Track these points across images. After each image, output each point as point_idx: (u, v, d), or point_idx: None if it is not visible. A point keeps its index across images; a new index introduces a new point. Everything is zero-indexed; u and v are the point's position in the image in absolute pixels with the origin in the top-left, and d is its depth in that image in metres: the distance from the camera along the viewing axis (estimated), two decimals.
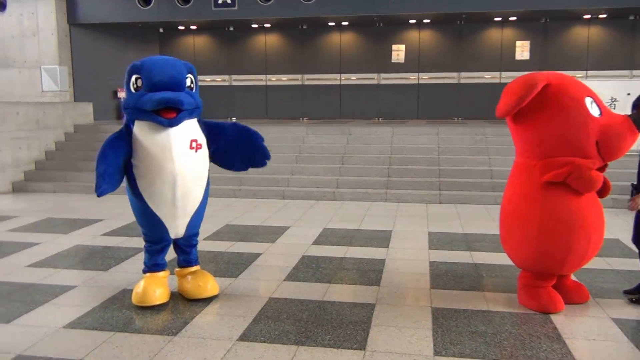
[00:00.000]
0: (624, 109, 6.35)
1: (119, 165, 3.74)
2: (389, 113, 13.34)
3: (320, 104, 13.74)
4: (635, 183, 3.99)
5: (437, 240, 5.92)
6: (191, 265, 4.24)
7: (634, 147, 4.02)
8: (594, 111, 3.71)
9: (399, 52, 13.29)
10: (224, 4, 11.50)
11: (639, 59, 12.40)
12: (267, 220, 6.97)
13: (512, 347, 3.34)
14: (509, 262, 5.04)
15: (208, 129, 4.06)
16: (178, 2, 11.59)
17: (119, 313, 3.87)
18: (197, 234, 4.28)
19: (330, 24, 13.29)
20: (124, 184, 3.95)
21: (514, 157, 9.08)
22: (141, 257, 5.24)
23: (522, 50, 12.87)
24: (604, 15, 12.12)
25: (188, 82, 3.80)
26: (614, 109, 8.37)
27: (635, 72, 12.41)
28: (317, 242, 5.87)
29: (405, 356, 3.22)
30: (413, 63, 13.30)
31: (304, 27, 13.59)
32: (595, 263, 4.59)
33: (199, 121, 3.99)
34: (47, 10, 11.78)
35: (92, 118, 11.93)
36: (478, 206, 7.91)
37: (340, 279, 4.64)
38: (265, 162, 4.23)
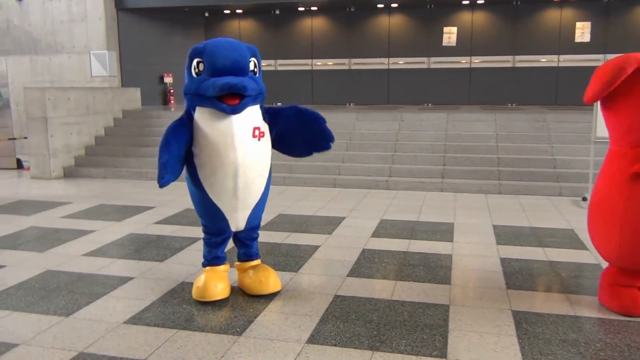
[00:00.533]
0: None
1: (181, 154, 3.54)
2: (438, 98, 12.90)
3: (367, 89, 13.39)
4: None
5: (504, 235, 5.57)
6: (252, 259, 4.04)
7: None
8: None
9: (450, 35, 12.79)
10: None
11: None
12: (321, 210, 6.74)
13: None
14: (588, 260, 4.71)
15: (269, 115, 3.83)
16: None
17: (179, 308, 3.71)
18: (258, 227, 4.07)
19: (379, 5, 12.88)
20: (184, 173, 3.76)
21: (578, 145, 8.60)
22: (196, 247, 5.14)
23: (583, 31, 12.18)
24: None
25: (251, 66, 3.56)
26: None
27: None
28: (376, 234, 5.61)
29: None
30: (465, 46, 12.78)
31: (352, 9, 13.22)
32: None
33: (260, 107, 3.76)
34: None
35: (140, 103, 11.91)
36: (541, 197, 7.48)
37: (407, 275, 4.37)
38: (330, 145, 3.94)
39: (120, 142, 10.34)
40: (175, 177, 3.56)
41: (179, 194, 7.60)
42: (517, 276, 4.35)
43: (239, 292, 4.00)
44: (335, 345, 3.18)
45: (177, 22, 13.60)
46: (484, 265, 4.61)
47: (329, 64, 13.59)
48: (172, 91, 13.49)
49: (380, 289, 4.07)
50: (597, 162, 7.11)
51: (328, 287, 4.09)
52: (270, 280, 3.92)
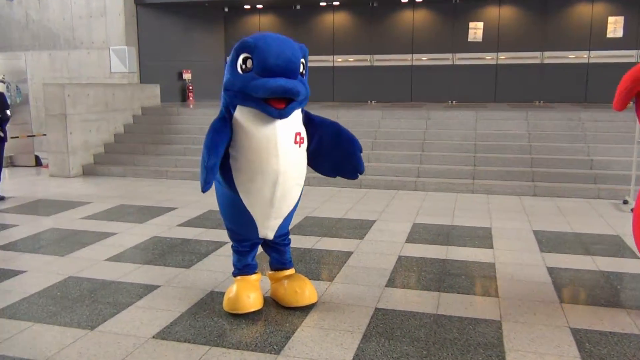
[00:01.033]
0: None
1: (222, 155, 3.26)
2: (463, 96, 12.54)
3: (389, 86, 13.06)
4: None
5: (547, 241, 5.25)
6: (286, 268, 3.78)
7: None
8: None
9: (476, 31, 12.42)
10: None
11: None
12: (349, 212, 6.47)
13: None
14: None
15: (309, 121, 3.55)
16: None
17: (210, 322, 3.46)
18: (288, 233, 3.82)
19: (403, 0, 12.54)
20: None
21: (615, 144, 8.18)
22: (224, 252, 4.90)
23: (615, 26, 11.73)
24: None
25: (301, 68, 3.28)
26: None
27: None
28: (410, 239, 5.33)
29: None
30: (492, 42, 12.39)
31: (375, 4, 12.90)
32: None
33: (302, 110, 3.49)
34: None
35: (159, 100, 11.71)
36: (579, 200, 7.13)
37: (449, 286, 4.08)
38: (357, 176, 3.62)
39: (139, 139, 10.14)
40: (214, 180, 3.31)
41: (201, 194, 7.37)
42: (569, 288, 4.05)
43: (272, 303, 3.74)
44: None
45: (197, 17, 13.37)
46: (531, 276, 4.31)
47: (351, 60, 13.28)
48: (190, 87, 13.28)
49: (423, 301, 3.79)
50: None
51: (367, 299, 3.82)
52: (306, 291, 3.66)
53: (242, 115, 3.26)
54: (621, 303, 3.77)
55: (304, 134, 3.45)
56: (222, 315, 3.56)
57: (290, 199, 3.49)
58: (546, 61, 12.18)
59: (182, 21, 13.06)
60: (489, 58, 12.50)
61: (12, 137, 9.24)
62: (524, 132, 8.65)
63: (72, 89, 9.35)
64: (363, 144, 3.79)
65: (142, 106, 11.01)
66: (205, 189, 3.14)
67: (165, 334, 3.29)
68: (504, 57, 12.42)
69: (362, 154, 3.59)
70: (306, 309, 3.62)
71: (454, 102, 12.51)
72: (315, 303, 3.71)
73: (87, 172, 9.49)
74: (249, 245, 3.64)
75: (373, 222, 6.01)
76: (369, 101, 13.09)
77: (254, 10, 13.72)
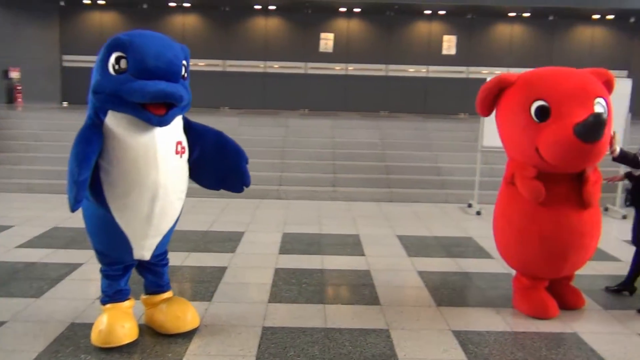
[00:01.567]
0: None
1: (92, 167, 2.83)
2: (316, 104, 12.80)
3: (242, 92, 12.87)
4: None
5: (412, 246, 5.49)
6: (164, 291, 3.43)
7: None
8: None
9: (327, 41, 12.78)
10: None
11: (557, 57, 12.84)
12: (215, 225, 6.17)
13: None
14: (499, 269, 4.76)
15: (190, 129, 3.27)
16: None
17: None
18: (166, 252, 3.48)
19: (256, 7, 12.46)
20: None
21: (458, 152, 8.94)
22: (79, 275, 4.36)
23: (449, 44, 12.88)
24: (528, 14, 12.41)
25: (182, 70, 2.97)
26: None
27: None
28: (283, 250, 5.21)
29: None
30: (341, 53, 12.85)
31: (227, 9, 12.64)
32: None
33: (182, 118, 3.19)
34: None
35: None
36: (430, 205, 7.62)
37: (332, 298, 4.04)
38: (242, 189, 3.45)
39: None
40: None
41: (40, 208, 6.56)
42: (442, 291, 4.24)
43: (147, 331, 3.36)
44: None
45: (27, 10, 11.93)
46: (405, 281, 4.45)
47: (201, 64, 12.83)
48: (19, 88, 11.79)
49: (310, 315, 3.69)
50: (483, 170, 7.45)
51: (252, 318, 3.61)
52: (188, 315, 3.35)
53: (114, 121, 2.87)
54: (490, 302, 4.03)
55: (185, 143, 3.17)
56: (90, 351, 3.10)
57: (171, 215, 3.17)
58: (390, 74, 12.94)
59: (9, 14, 11.55)
60: (338, 68, 12.93)
61: None
62: (377, 141, 9.05)
63: None
64: None
65: None
66: (74, 207, 2.71)
67: None
68: (352, 68, 12.94)
69: (249, 184, 3.42)
70: (188, 335, 3.31)
71: (307, 110, 12.71)
72: (197, 327, 3.41)
73: None
74: (121, 269, 3.23)
75: (242, 233, 5.79)
76: (221, 107, 12.77)
77: (94, 6, 12.63)
